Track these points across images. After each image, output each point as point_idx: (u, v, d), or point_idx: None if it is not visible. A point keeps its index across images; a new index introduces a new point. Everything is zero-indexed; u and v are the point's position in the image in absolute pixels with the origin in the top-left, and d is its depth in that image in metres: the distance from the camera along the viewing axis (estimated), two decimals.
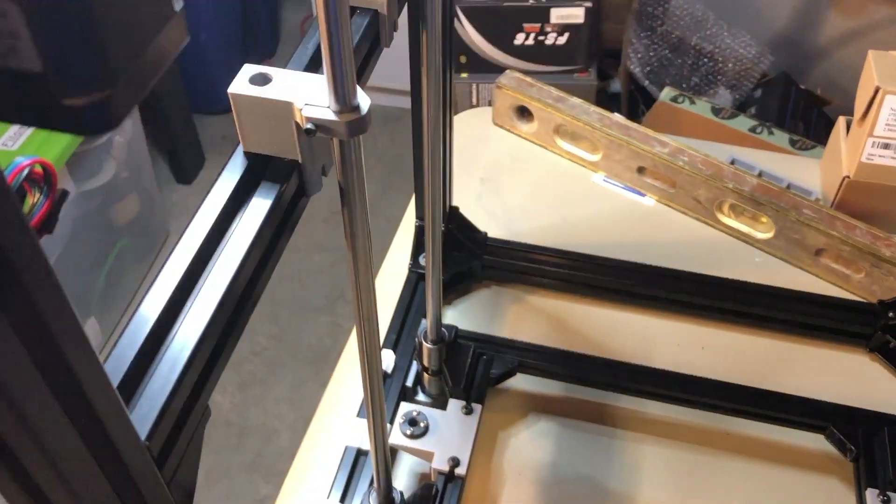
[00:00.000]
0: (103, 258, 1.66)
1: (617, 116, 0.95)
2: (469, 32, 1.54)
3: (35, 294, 0.22)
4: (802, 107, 1.63)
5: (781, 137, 1.47)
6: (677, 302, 0.84)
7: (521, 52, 1.56)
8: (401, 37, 0.53)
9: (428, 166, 0.60)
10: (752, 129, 1.48)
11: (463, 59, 1.58)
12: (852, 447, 0.69)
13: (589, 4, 1.47)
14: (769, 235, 0.88)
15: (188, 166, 2.03)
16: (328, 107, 0.36)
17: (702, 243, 0.91)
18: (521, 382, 0.78)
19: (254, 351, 1.76)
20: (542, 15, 1.50)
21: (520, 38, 1.53)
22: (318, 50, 0.43)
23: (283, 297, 1.85)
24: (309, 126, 0.36)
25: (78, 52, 0.18)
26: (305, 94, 0.37)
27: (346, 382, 0.80)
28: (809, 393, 0.75)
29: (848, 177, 0.87)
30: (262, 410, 1.68)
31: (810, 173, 0.98)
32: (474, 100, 1.66)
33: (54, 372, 0.25)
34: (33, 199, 0.25)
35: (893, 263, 0.80)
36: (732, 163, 0.98)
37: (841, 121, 0.92)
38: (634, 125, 0.94)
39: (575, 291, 0.86)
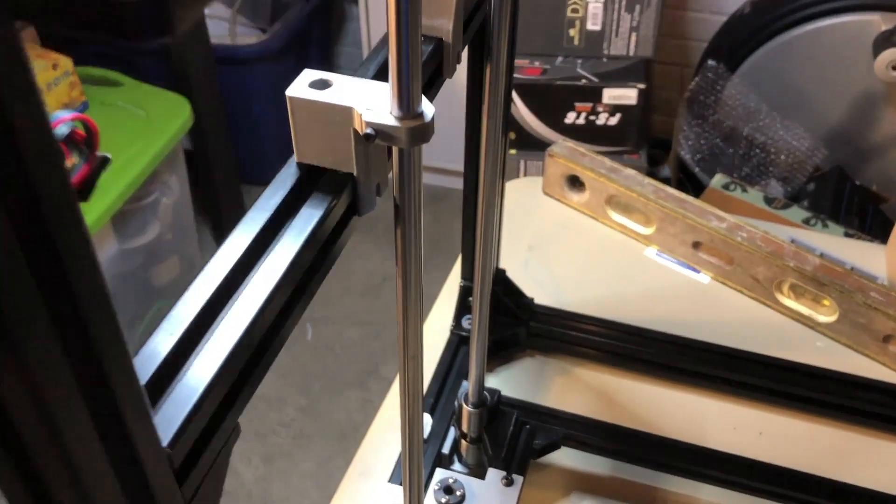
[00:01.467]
0: (140, 318, 1.65)
1: (672, 190, 0.93)
2: (520, 109, 1.55)
3: (70, 262, 0.20)
4: (857, 203, 1.59)
5: (836, 230, 1.43)
6: (732, 382, 0.79)
7: (572, 131, 1.56)
8: (449, 111, 0.51)
9: (480, 222, 0.58)
10: (806, 221, 1.44)
11: (512, 136, 1.58)
12: None
13: (642, 86, 1.47)
14: (832, 319, 0.83)
15: (231, 233, 2.03)
16: (390, 112, 0.34)
17: (759, 324, 0.87)
18: (564, 458, 0.73)
19: (282, 422, 1.72)
20: (594, 94, 1.50)
21: (570, 117, 1.53)
22: (383, 64, 0.42)
23: (315, 370, 1.82)
24: (369, 131, 0.34)
25: None
26: (367, 99, 0.35)
27: (379, 448, 0.75)
28: (878, 487, 0.69)
29: None
30: (286, 485, 1.63)
31: (874, 258, 0.94)
32: (521, 176, 1.65)
33: (79, 353, 0.22)
34: (72, 161, 0.23)
35: None
36: (792, 242, 0.95)
37: None
38: (690, 199, 0.92)
39: (623, 365, 0.81)
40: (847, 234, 1.43)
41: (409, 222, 0.37)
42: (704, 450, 0.71)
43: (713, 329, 0.85)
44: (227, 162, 1.93)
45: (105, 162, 0.25)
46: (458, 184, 0.61)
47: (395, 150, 0.35)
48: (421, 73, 0.33)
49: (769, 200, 1.46)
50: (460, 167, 0.67)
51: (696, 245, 0.91)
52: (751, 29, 1.69)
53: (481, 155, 0.56)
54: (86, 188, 0.24)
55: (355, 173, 0.37)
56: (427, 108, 0.34)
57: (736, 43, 1.71)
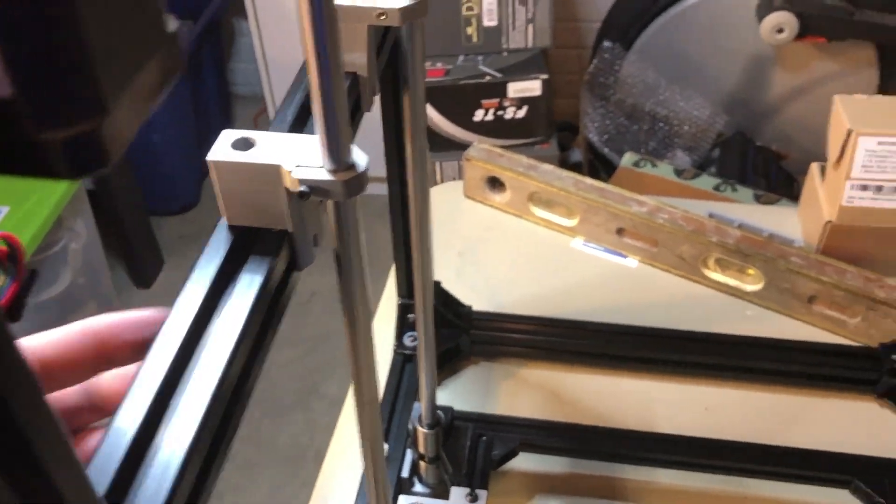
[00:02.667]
0: None
1: (590, 180, 0.94)
2: (428, 111, 1.55)
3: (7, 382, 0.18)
4: (761, 163, 1.65)
5: (745, 193, 1.48)
6: (672, 362, 0.81)
7: (482, 128, 1.57)
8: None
9: (417, 239, 0.57)
10: (716, 188, 1.49)
11: None
12: (881, 500, 0.65)
13: (545, 76, 1.49)
14: (759, 287, 0.86)
15: (147, 270, 1.97)
16: (322, 167, 0.33)
17: (690, 301, 0.89)
18: (522, 462, 0.73)
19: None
20: (499, 90, 1.51)
21: (479, 115, 1.54)
22: (301, 109, 0.40)
23: (253, 396, 1.78)
24: (302, 189, 0.33)
25: (61, 73, 0.14)
26: (295, 155, 0.33)
27: (335, 478, 0.74)
28: (823, 446, 0.72)
29: (830, 221, 0.86)
30: None
31: (788, 222, 0.98)
32: (438, 178, 1.65)
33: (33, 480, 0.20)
34: None
35: (889, 305, 0.79)
36: (711, 217, 0.97)
37: (814, 167, 0.92)
38: (610, 187, 0.93)
39: (567, 360, 0.82)
40: (756, 196, 1.48)
41: (352, 272, 0.36)
42: (653, 435, 0.72)
43: (647, 312, 0.87)
44: (131, 196, 1.86)
45: (33, 276, 0.23)
46: (375, 189, 0.60)
47: (329, 203, 0.34)
48: (349, 120, 0.32)
49: (679, 172, 1.50)
50: (376, 172, 0.66)
51: (621, 231, 0.92)
52: (641, 6, 1.73)
53: (409, 177, 0.56)
54: (16, 307, 0.22)
55: (291, 230, 0.36)
56: (359, 157, 0.33)
57: (628, 21, 1.74)
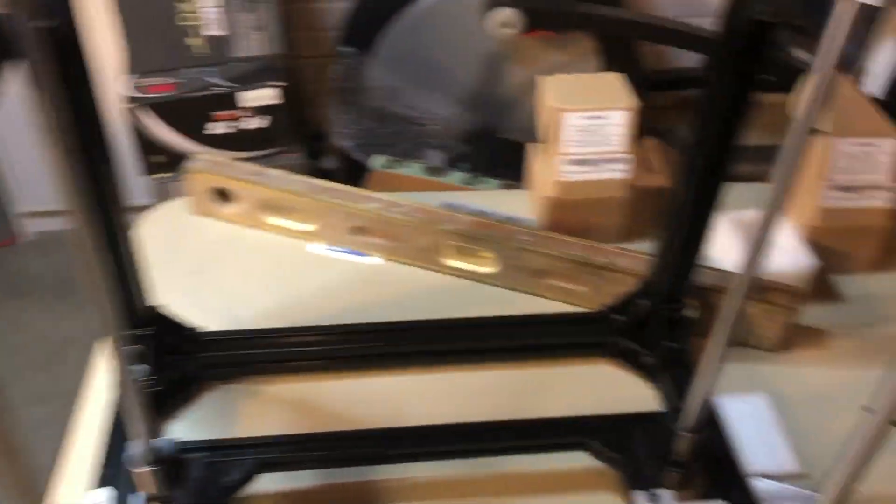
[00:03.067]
0: None
1: (323, 181, 0.91)
2: (161, 129, 1.45)
3: None
4: (509, 154, 1.71)
5: (493, 185, 1.53)
6: (419, 354, 0.80)
7: (220, 142, 1.50)
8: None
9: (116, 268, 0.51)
10: (468, 182, 1.53)
11: (163, 159, 1.48)
12: (614, 455, 0.68)
13: (283, 84, 1.45)
14: (494, 269, 0.87)
15: None
16: None
17: (433, 291, 0.89)
18: (270, 483, 0.68)
19: None
20: (230, 101, 1.45)
21: (213, 128, 1.47)
22: None
23: None
24: None
25: None
26: None
27: None
28: (566, 412, 0.74)
29: (549, 197, 0.89)
30: None
31: (524, 204, 1.00)
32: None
33: None
34: None
35: (609, 269, 0.83)
36: (448, 206, 0.98)
37: (532, 147, 0.96)
38: (343, 187, 0.91)
39: (312, 369, 0.79)
40: (506, 186, 1.53)
41: None
42: (402, 430, 0.70)
43: (393, 307, 0.86)
44: None
45: None
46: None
47: None
48: None
49: (431, 170, 1.52)
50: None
51: (359, 230, 0.90)
52: (376, 10, 1.74)
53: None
54: None
55: None
56: None
57: (366, 27, 1.75)
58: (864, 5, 0.42)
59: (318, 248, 0.92)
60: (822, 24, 0.45)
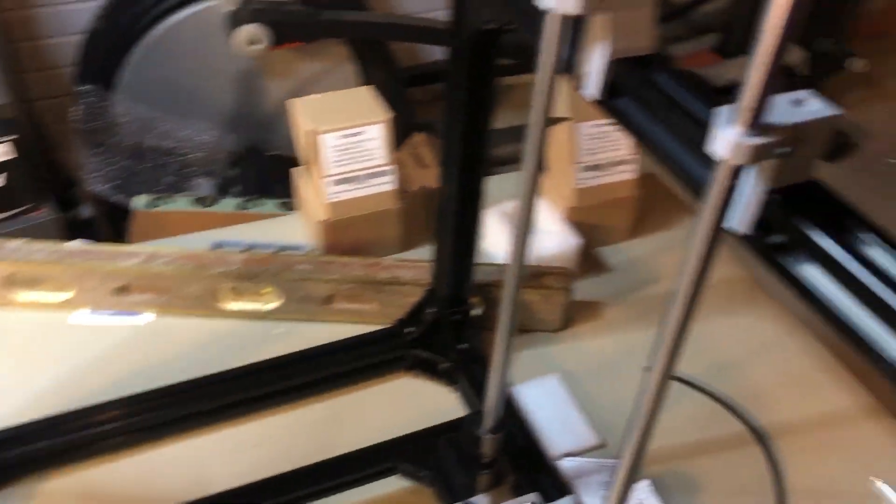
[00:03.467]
0: None
1: (72, 244, 0.84)
2: None
3: None
4: (278, 171, 1.67)
5: (270, 205, 1.48)
6: (216, 409, 0.76)
7: None
8: None
9: None
10: (241, 207, 1.47)
11: None
12: (424, 473, 0.68)
13: (15, 136, 1.31)
14: (278, 303, 0.84)
15: None
16: None
17: (217, 339, 0.84)
18: None
19: None
20: None
21: None
22: None
23: None
24: None
25: None
26: None
27: None
28: (376, 437, 0.73)
29: (324, 220, 0.88)
30: None
31: (297, 230, 0.98)
32: None
33: None
34: None
35: (393, 283, 0.82)
36: (219, 247, 0.94)
37: (296, 171, 0.93)
38: (96, 247, 0.84)
39: (92, 454, 0.72)
40: (282, 205, 1.49)
41: None
42: (205, 500, 0.66)
43: (177, 365, 0.80)
44: None
45: None
46: None
47: None
48: None
49: (199, 201, 1.45)
50: None
51: (124, 289, 0.84)
52: (111, 41, 1.62)
53: None
54: None
55: None
56: None
57: (102, 59, 1.63)
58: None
59: (82, 317, 0.84)
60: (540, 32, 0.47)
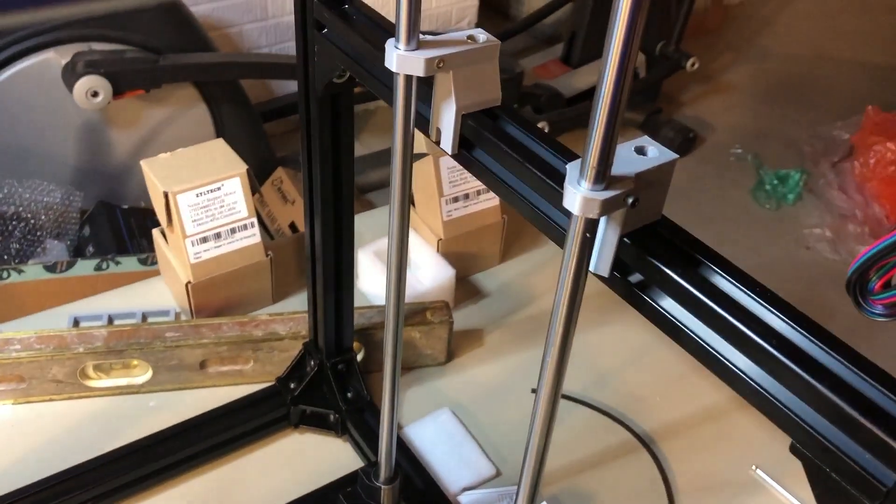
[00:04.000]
0: None
1: None
2: None
3: None
4: (135, 224, 1.60)
5: (130, 262, 1.41)
6: (93, 499, 0.71)
7: None
8: None
9: None
10: (98, 268, 1.39)
11: None
12: None
13: None
14: (149, 375, 0.80)
15: None
16: None
17: (88, 421, 0.79)
18: None
19: None
20: None
21: None
22: None
23: None
24: None
25: None
26: None
27: None
28: (272, 503, 0.71)
29: (190, 282, 0.84)
30: None
31: (161, 293, 0.94)
32: None
33: None
34: None
35: (270, 339, 0.80)
36: (77, 323, 0.88)
37: (156, 233, 0.90)
38: None
39: None
40: (140, 261, 1.43)
41: None
42: None
43: (45, 456, 0.75)
44: None
45: None
46: None
47: None
48: None
49: (51, 268, 1.36)
50: None
51: None
52: None
53: None
54: None
55: None
56: None
57: None
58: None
59: None
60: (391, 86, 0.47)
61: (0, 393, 0.79)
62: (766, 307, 0.35)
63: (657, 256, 0.38)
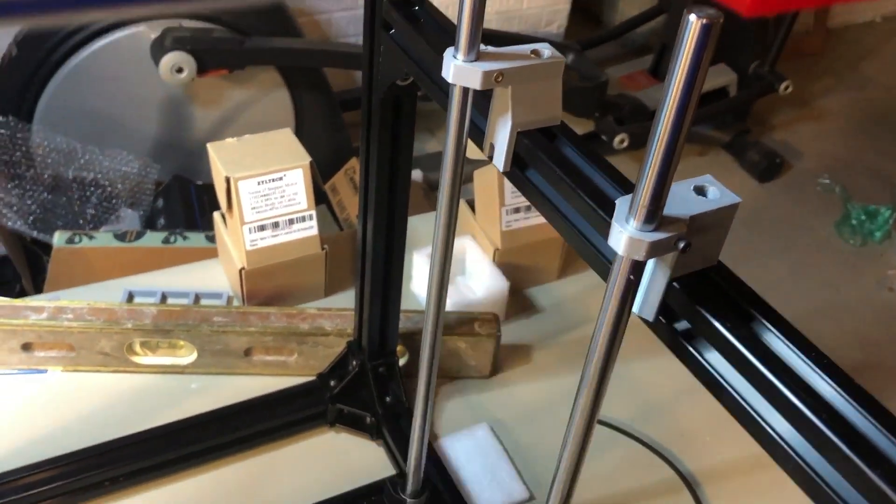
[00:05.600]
0: None
1: None
2: None
3: None
4: (208, 202, 1.63)
5: (197, 238, 1.44)
6: (127, 475, 0.72)
7: None
8: None
9: None
10: (166, 241, 1.42)
11: None
12: None
13: None
14: (194, 357, 0.81)
15: None
16: None
17: (130, 395, 0.80)
18: None
19: None
20: None
21: None
22: None
23: None
24: None
25: None
26: None
27: None
28: (297, 499, 0.70)
29: (244, 268, 0.84)
30: None
31: (217, 275, 0.94)
32: None
33: None
34: None
35: (316, 334, 0.80)
36: (131, 298, 0.90)
37: (216, 217, 0.90)
38: None
39: None
40: (207, 238, 1.45)
41: None
42: None
43: (86, 426, 0.76)
44: None
45: None
46: None
47: None
48: None
49: (121, 236, 1.40)
50: None
51: (28, 346, 0.79)
52: (27, 70, 1.56)
53: None
54: None
55: None
56: None
57: (18, 90, 1.56)
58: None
59: None
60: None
61: (51, 359, 0.80)
62: (820, 375, 0.32)
63: (707, 306, 0.35)
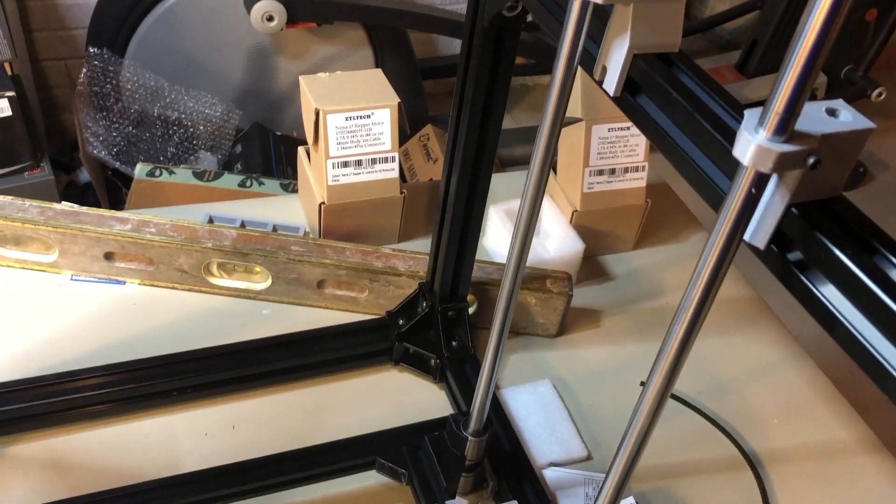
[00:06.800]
0: None
1: (62, 205, 0.81)
2: None
3: None
4: (284, 152, 1.65)
5: (272, 185, 1.46)
6: (193, 387, 0.73)
7: None
8: None
9: None
10: (242, 184, 1.44)
11: None
12: (403, 471, 0.65)
13: (11, 94, 1.29)
14: (268, 284, 0.82)
15: None
16: None
17: (203, 314, 0.82)
18: None
19: None
20: None
21: None
22: None
23: None
24: None
25: None
26: None
27: None
28: (355, 429, 0.71)
29: (323, 202, 0.85)
30: None
31: (295, 210, 0.95)
32: None
33: None
34: None
35: (388, 273, 0.80)
36: (211, 221, 0.91)
37: (301, 151, 0.91)
38: (85, 209, 0.81)
39: (69, 420, 0.70)
40: (282, 186, 1.47)
41: None
42: (176, 479, 0.64)
43: (157, 338, 0.78)
44: None
45: None
46: None
47: None
48: None
49: (200, 175, 1.43)
50: None
51: (109, 256, 0.81)
52: (125, 6, 1.60)
53: None
54: None
55: None
56: None
57: (115, 24, 1.60)
58: (596, 5, 0.42)
59: (65, 281, 0.82)
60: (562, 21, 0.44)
61: (130, 271, 0.82)
62: None
63: (827, 234, 0.34)
